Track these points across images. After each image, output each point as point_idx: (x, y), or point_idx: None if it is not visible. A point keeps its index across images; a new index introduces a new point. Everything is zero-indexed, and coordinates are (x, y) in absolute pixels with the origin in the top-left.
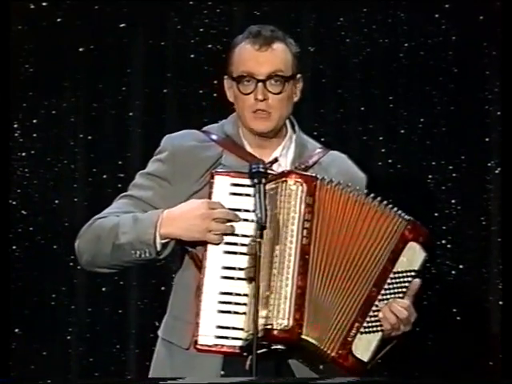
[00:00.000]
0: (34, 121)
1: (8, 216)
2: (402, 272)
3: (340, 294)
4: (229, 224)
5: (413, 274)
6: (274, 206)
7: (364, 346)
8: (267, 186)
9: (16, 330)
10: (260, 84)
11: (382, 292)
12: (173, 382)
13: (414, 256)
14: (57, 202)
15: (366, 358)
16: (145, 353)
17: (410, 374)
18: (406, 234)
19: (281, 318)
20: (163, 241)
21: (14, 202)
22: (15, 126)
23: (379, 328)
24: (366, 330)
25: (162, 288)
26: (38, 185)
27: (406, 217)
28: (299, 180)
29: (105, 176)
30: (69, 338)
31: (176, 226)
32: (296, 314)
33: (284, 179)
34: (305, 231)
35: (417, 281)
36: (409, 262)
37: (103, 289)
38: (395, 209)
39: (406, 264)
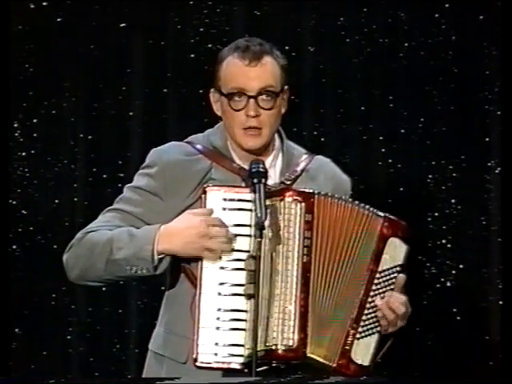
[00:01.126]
0: (34, 121)
1: (8, 216)
2: (387, 270)
3: (337, 306)
4: (227, 242)
5: (398, 268)
6: (272, 224)
7: (363, 351)
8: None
9: (16, 330)
10: (252, 100)
11: (371, 294)
12: (171, 382)
13: (395, 251)
14: (57, 201)
15: (366, 362)
16: (145, 353)
17: (410, 374)
18: (384, 231)
19: (285, 337)
20: (160, 256)
21: (14, 202)
22: (15, 125)
23: (375, 330)
24: (362, 334)
25: (162, 288)
26: (37, 185)
27: (381, 213)
28: (297, 198)
29: (105, 176)
30: (69, 337)
31: (173, 242)
32: (300, 333)
33: (281, 197)
34: (305, 249)
35: (401, 276)
36: (392, 259)
37: (103, 289)
38: (367, 206)
39: (389, 261)
